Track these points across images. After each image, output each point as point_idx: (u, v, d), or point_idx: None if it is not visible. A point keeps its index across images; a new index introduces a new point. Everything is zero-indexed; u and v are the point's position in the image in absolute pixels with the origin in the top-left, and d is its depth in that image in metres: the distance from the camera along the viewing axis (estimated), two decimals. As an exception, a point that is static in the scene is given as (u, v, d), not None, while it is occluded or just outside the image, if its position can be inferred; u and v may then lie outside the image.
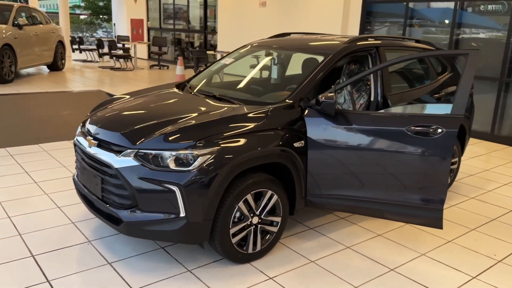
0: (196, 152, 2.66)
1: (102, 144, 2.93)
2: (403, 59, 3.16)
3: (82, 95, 9.06)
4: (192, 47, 14.53)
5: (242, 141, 2.81)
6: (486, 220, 3.96)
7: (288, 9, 10.19)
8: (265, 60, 4.34)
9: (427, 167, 2.85)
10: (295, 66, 4.33)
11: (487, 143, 6.94)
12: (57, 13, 16.38)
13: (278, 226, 3.12)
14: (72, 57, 15.92)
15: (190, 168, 2.64)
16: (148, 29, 16.93)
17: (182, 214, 2.67)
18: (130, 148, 2.75)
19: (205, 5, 14.19)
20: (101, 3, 37.24)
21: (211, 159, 2.67)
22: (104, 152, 2.87)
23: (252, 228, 2.97)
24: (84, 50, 14.98)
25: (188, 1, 15.04)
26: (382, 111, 3.50)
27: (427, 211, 2.93)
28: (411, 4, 7.98)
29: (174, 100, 3.52)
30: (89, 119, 3.29)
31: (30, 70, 12.15)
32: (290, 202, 3.18)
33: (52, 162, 4.94)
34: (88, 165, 3.02)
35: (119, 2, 21.49)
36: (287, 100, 3.17)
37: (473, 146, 6.65)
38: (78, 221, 3.53)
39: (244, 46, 4.27)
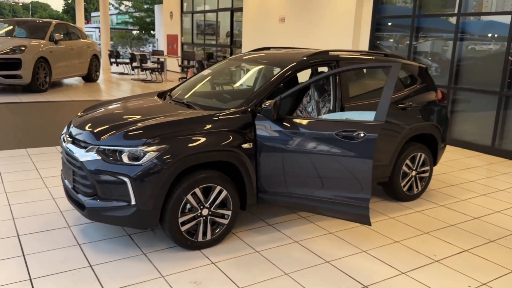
0: (146, 149, 3.10)
1: (75, 141, 3.43)
2: (337, 71, 3.49)
3: (107, 104, 9.80)
4: (208, 62, 15.16)
5: (191, 140, 3.22)
6: (444, 225, 4.13)
7: (304, 24, 10.58)
8: (238, 72, 4.74)
9: (352, 167, 3.13)
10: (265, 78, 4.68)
11: (487, 156, 6.96)
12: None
13: (229, 219, 3.48)
14: (111, 69, 17.02)
15: (140, 162, 3.08)
16: (182, 44, 17.79)
17: (133, 202, 3.11)
18: (94, 144, 3.22)
19: (232, 21, 14.83)
20: (148, 19, 39.14)
21: (158, 155, 3.09)
22: (75, 148, 3.36)
23: (202, 219, 3.35)
24: (120, 63, 15.97)
25: (217, 18, 15.75)
26: (319, 117, 3.81)
27: (355, 208, 3.21)
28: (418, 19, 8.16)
29: (146, 105, 4.00)
30: (73, 120, 3.81)
31: (67, 81, 13.20)
32: (242, 198, 3.54)
33: (58, 163, 5.54)
34: (66, 160, 3.53)
35: (161, 18, 22.74)
36: (241, 106, 3.55)
37: (472, 159, 6.71)
38: (65, 210, 4.05)
39: (224, 59, 4.70)
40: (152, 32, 39.15)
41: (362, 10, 9.17)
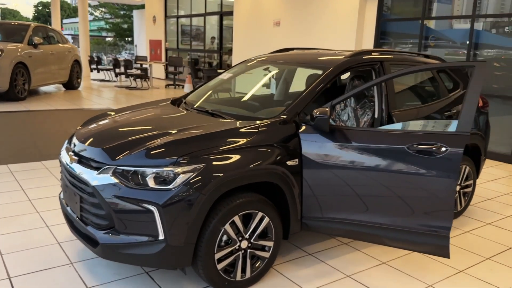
0: (178, 169, 2.48)
1: (82, 161, 2.78)
2: (404, 72, 2.93)
3: (92, 113, 8.95)
4: (210, 67, 14.55)
5: (229, 158, 2.62)
6: (503, 248, 3.64)
7: (302, 28, 10.08)
8: (266, 75, 4.16)
9: (430, 189, 2.59)
10: (299, 82, 4.15)
11: (508, 165, 6.57)
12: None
13: (271, 252, 2.88)
14: (91, 76, 16.16)
15: (171, 186, 2.45)
16: (166, 50, 17.09)
17: (161, 237, 2.48)
18: (109, 164, 2.58)
19: (221, 26, 14.24)
20: (125, 25, 38.16)
21: (193, 177, 2.47)
22: (83, 169, 2.71)
23: (240, 253, 2.74)
24: (102, 69, 15.16)
25: (204, 23, 15.14)
26: (382, 127, 3.26)
27: (432, 238, 2.66)
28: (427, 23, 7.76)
29: (164, 115, 3.37)
30: (75, 134, 3.15)
31: (46, 88, 12.32)
32: (284, 225, 2.95)
33: (51, 180, 4.82)
34: (70, 183, 2.87)
35: (141, 24, 21.94)
36: (281, 115, 2.98)
37: (492, 169, 6.30)
38: (64, 241, 3.37)
39: (244, 61, 4.12)
40: (127, 38, 38.23)
41: (365, 12, 8.73)
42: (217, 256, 2.63)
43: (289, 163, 2.83)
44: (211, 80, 4.11)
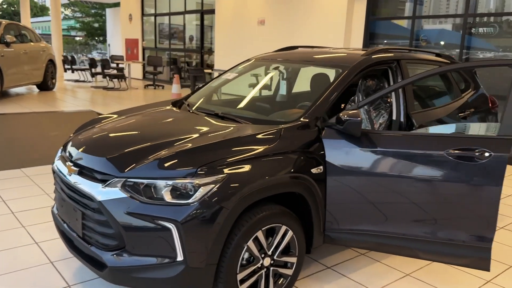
0: (197, 181, 2.19)
1: (84, 172, 2.46)
2: (437, 71, 2.73)
3: (72, 116, 8.60)
4: (189, 66, 14.19)
5: (252, 167, 2.35)
6: (523, 254, 3.50)
7: (288, 27, 9.87)
8: (272, 75, 3.91)
9: (472, 198, 2.39)
10: (301, 82, 3.92)
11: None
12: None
13: (294, 268, 2.63)
14: (64, 76, 15.52)
15: (190, 200, 2.17)
16: (143, 49, 16.60)
17: (180, 258, 2.19)
18: (117, 177, 2.27)
19: (202, 25, 13.89)
20: (96, 25, 37.18)
21: (215, 190, 2.20)
22: (85, 181, 2.39)
23: (263, 271, 2.48)
24: (77, 69, 14.56)
25: (184, 21, 14.75)
26: (416, 131, 3.06)
27: (472, 250, 2.46)
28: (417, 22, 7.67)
29: (170, 119, 3.07)
30: (70, 142, 2.82)
31: (18, 89, 11.69)
32: (307, 239, 2.71)
33: (34, 189, 4.43)
34: (68, 197, 2.54)
35: (114, 22, 21.31)
36: (301, 119, 2.72)
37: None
38: (57, 260, 3.03)
39: (248, 60, 3.85)
40: (98, 38, 37.26)
41: (353, 10, 8.57)
42: (239, 276, 2.36)
43: (313, 170, 2.59)
44: (212, 80, 3.82)
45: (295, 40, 9.61)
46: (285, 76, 3.65)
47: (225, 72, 3.80)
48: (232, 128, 2.69)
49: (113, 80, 13.22)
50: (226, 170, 2.26)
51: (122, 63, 14.33)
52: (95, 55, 31.98)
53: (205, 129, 2.70)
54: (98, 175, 2.35)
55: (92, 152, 2.51)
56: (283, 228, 2.51)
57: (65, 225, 2.64)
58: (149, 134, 2.68)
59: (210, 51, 13.98)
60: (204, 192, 2.18)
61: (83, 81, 14.68)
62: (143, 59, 16.51)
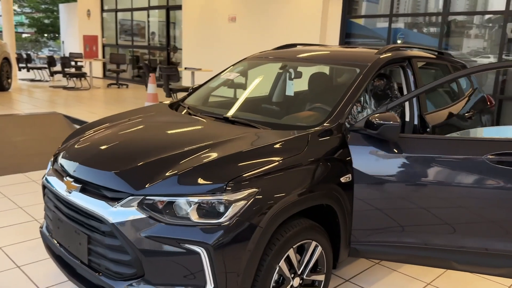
0: (227, 197, 1.92)
1: (87, 188, 2.12)
2: (466, 72, 2.58)
3: (35, 118, 7.98)
4: (161, 65, 13.67)
5: (285, 178, 2.11)
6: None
7: (260, 24, 9.64)
8: (276, 75, 3.66)
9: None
10: (301, 81, 3.70)
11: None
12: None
13: (322, 286, 2.41)
14: (18, 76, 14.57)
15: (222, 220, 1.90)
16: (103, 46, 15.88)
17: (210, 286, 1.91)
18: (133, 194, 1.96)
19: (168, 21, 13.40)
20: (46, 21, 35.48)
21: (247, 206, 1.93)
22: (91, 200, 2.06)
23: (293, 293, 2.25)
24: (33, 68, 13.69)
25: (148, 17, 14.20)
26: (453, 134, 2.90)
27: (509, 260, 2.33)
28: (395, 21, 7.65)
29: (175, 125, 2.76)
30: (63, 153, 2.46)
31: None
32: (334, 253, 2.49)
33: (6, 203, 3.96)
34: (67, 217, 2.19)
35: (69, 18, 20.30)
36: (325, 123, 2.50)
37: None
38: (47, 287, 2.66)
39: (245, 58, 3.59)
40: (49, 34, 35.62)
41: (328, 7, 8.45)
42: (270, 301, 2.11)
43: (342, 179, 2.37)
44: (210, 80, 3.53)
45: (269, 37, 9.39)
46: (292, 76, 3.41)
47: (223, 71, 3.52)
48: (251, 134, 2.43)
49: (73, 79, 12.51)
50: (257, 184, 2.00)
51: (82, 61, 13.62)
52: (46, 53, 30.49)
53: (220, 136, 2.42)
54: (108, 193, 2.03)
55: (96, 166, 2.17)
56: (313, 244, 2.28)
57: (61, 249, 2.29)
58: (159, 144, 2.37)
59: (175, 49, 13.53)
60: (236, 209, 1.91)
61: (40, 80, 13.83)
62: (103, 56, 15.80)
